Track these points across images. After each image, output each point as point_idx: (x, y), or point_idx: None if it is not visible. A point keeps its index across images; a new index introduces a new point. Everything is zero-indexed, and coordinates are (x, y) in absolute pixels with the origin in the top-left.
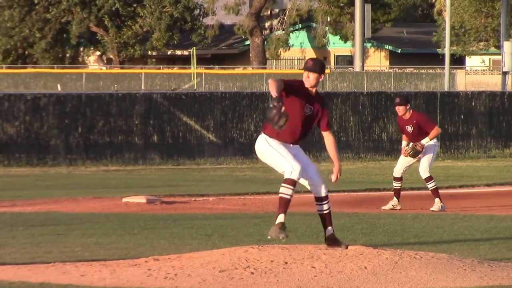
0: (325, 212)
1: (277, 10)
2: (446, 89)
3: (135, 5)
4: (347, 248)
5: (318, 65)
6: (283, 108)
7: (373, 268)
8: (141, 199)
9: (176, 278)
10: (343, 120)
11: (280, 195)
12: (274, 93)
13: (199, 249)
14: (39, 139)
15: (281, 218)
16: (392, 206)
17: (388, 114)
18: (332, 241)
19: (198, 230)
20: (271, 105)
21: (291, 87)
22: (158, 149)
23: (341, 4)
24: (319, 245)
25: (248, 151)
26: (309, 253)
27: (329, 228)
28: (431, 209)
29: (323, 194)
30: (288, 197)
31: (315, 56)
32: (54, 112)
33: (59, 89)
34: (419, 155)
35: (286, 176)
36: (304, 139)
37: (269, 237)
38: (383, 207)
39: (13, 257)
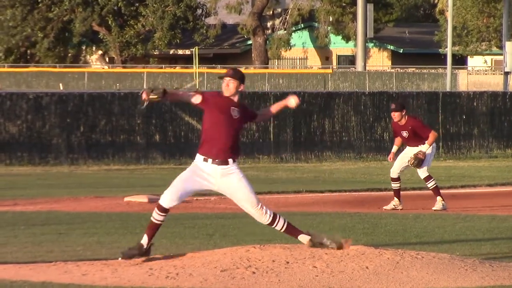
0: (283, 230)
1: (279, 10)
2: (448, 89)
3: (137, 4)
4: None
5: (238, 73)
6: (160, 96)
7: (375, 268)
8: (143, 199)
9: (177, 278)
10: (345, 120)
11: (151, 218)
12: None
13: (201, 248)
14: (41, 138)
15: (144, 239)
16: (393, 206)
17: (390, 114)
18: (315, 244)
19: (200, 229)
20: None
21: (209, 98)
22: (160, 148)
23: (343, 4)
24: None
25: (250, 150)
26: (311, 252)
27: (301, 235)
28: (433, 208)
29: (265, 221)
30: (156, 221)
31: (316, 55)
32: (56, 111)
33: (61, 88)
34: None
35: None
36: (238, 147)
37: (119, 258)
38: (384, 207)
39: (14, 256)
